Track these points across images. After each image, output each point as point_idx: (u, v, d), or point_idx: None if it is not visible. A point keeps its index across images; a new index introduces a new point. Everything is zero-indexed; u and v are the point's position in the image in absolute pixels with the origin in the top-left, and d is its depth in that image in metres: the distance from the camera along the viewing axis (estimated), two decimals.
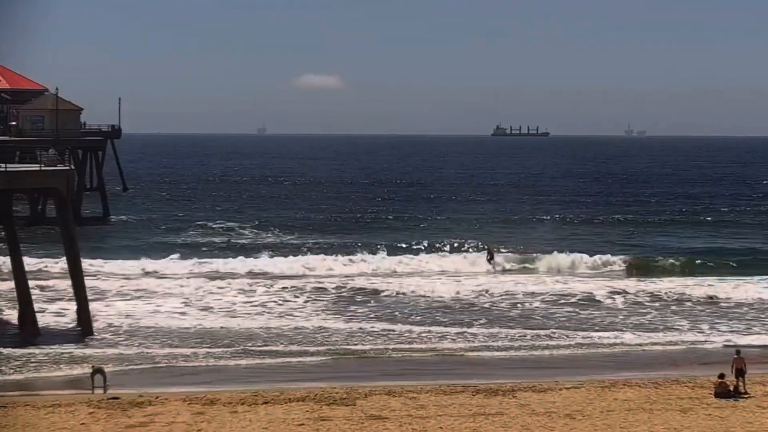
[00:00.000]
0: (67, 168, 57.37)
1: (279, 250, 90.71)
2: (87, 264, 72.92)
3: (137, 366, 50.66)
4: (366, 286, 74.22)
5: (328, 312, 64.75)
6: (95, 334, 57.52)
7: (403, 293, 71.46)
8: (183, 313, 63.77)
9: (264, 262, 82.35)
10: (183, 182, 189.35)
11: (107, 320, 60.91)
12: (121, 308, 64.74)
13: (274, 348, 54.56)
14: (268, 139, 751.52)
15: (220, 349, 53.93)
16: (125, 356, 52.68)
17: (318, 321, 61.80)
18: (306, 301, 68.39)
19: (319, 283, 74.66)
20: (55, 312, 62.79)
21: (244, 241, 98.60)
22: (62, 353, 52.98)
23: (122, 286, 72.09)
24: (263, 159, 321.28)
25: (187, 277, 76.41)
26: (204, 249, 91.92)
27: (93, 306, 61.26)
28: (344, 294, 71.37)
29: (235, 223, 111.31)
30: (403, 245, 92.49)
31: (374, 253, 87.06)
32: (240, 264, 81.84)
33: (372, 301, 68.97)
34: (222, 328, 59.64)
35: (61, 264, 71.57)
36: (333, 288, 72.79)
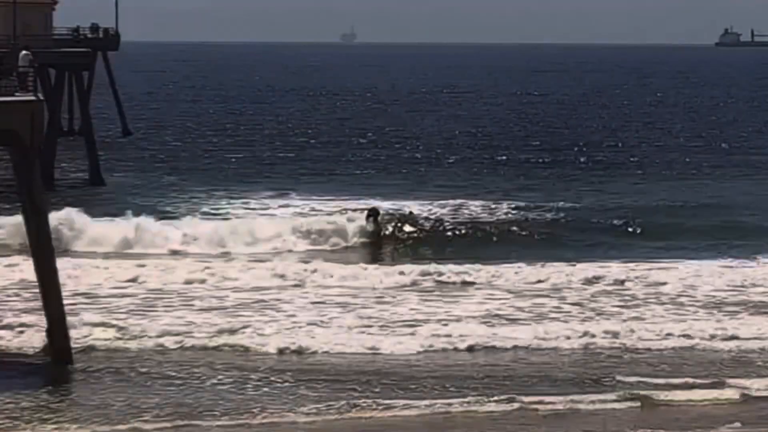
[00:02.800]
0: (32, 98, 35.90)
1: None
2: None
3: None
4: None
5: None
6: (75, 363, 36.56)
7: None
8: (196, 315, 42.57)
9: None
10: (214, 122, 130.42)
11: (92, 336, 39.57)
12: (113, 313, 43.20)
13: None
14: (356, 48, 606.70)
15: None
16: (126, 403, 32.70)
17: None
18: None
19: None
20: (11, 329, 40.86)
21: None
22: (20, 402, 32.60)
23: (111, 277, 49.85)
24: (344, 78, 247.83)
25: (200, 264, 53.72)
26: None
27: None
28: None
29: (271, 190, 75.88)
30: None
31: None
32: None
33: None
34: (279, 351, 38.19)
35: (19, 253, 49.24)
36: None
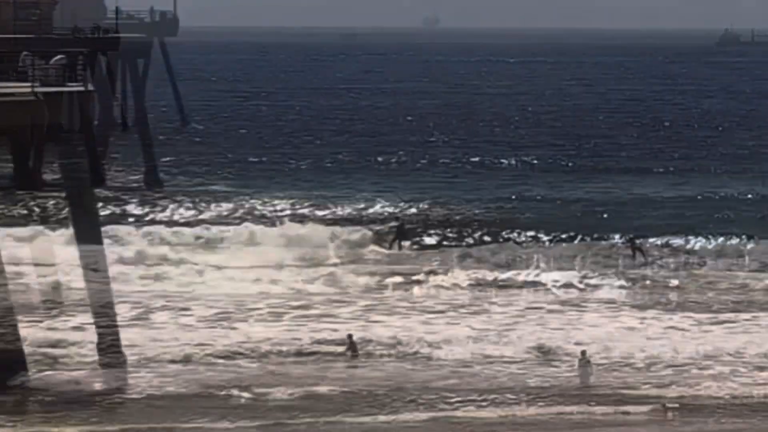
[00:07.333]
0: (81, 87, 33.32)
1: None
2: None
3: None
4: None
5: None
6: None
7: None
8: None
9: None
10: (283, 111, 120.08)
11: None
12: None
13: None
14: (440, 34, 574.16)
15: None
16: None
17: None
18: None
19: None
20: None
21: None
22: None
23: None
24: (422, 67, 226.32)
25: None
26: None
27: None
28: None
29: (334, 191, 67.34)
30: None
31: None
32: None
33: None
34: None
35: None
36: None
